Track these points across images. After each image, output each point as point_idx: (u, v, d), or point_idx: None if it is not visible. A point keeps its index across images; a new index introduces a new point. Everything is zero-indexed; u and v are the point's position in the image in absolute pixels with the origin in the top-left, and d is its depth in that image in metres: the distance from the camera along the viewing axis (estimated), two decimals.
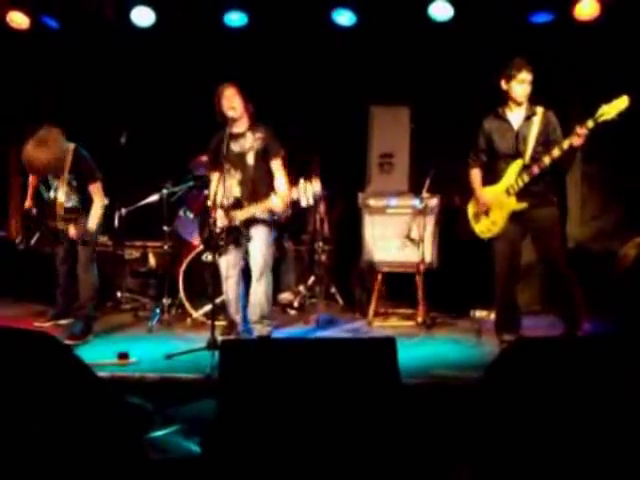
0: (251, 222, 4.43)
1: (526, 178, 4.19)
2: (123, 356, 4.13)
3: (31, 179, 5.02)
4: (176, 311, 5.45)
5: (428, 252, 5.31)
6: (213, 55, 6.07)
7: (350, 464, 2.03)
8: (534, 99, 4.34)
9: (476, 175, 4.50)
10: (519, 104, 4.30)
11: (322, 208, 6.03)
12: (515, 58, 4.29)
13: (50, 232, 4.84)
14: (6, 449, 1.85)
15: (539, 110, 4.27)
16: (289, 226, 6.09)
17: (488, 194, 4.39)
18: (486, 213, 4.39)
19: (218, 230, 4.43)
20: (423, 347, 4.63)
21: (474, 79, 6.01)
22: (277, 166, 4.49)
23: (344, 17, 5.76)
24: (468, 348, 4.58)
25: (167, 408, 3.10)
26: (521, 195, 4.23)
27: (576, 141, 4.00)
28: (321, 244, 5.89)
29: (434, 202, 5.40)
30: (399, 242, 5.38)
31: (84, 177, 4.74)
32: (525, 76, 4.21)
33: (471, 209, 4.54)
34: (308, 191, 4.13)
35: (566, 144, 4.04)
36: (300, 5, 5.68)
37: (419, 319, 5.18)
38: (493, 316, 5.39)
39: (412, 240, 5.27)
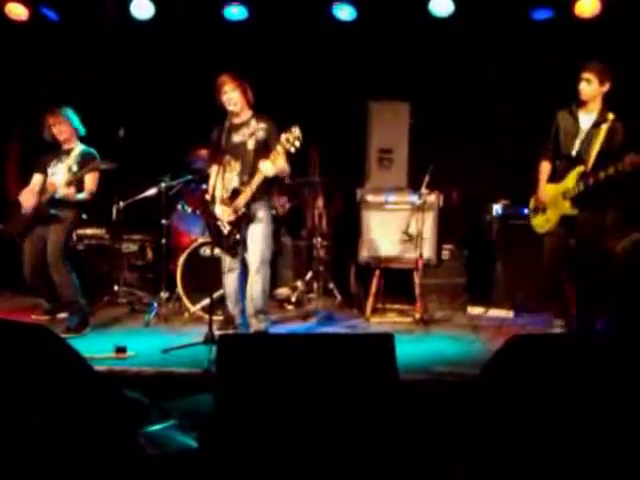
0: (251, 217, 4.41)
1: (582, 186, 4.27)
2: (120, 350, 4.13)
3: (34, 179, 4.97)
4: (173, 305, 5.44)
5: (426, 248, 5.31)
6: (212, 49, 6.05)
7: (347, 460, 2.03)
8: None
9: (544, 168, 4.56)
10: (583, 103, 4.36)
11: (320, 203, 6.03)
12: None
13: (29, 217, 4.74)
14: (2, 441, 1.85)
15: (609, 117, 4.32)
16: (287, 221, 6.09)
17: (548, 192, 4.49)
18: (543, 210, 4.51)
19: (227, 231, 4.41)
20: (420, 343, 4.62)
21: (474, 75, 6.01)
22: None
23: (344, 11, 5.75)
24: (466, 344, 4.59)
25: (164, 402, 3.09)
26: (575, 201, 4.32)
27: (629, 166, 4.04)
28: (319, 239, 5.88)
29: (433, 198, 5.39)
30: (397, 238, 5.37)
31: (85, 164, 4.76)
32: (584, 75, 4.29)
33: (532, 203, 4.65)
34: (291, 139, 4.16)
35: (620, 166, 4.09)
36: None
37: (417, 315, 5.18)
38: (490, 313, 5.46)
39: (410, 236, 5.26)
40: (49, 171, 4.88)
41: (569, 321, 4.54)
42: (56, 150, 4.94)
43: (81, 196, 4.77)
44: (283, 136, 4.21)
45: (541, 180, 4.55)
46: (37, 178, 4.94)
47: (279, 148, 4.22)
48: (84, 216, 4.90)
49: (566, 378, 1.99)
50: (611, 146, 4.27)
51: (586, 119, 4.38)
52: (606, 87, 4.31)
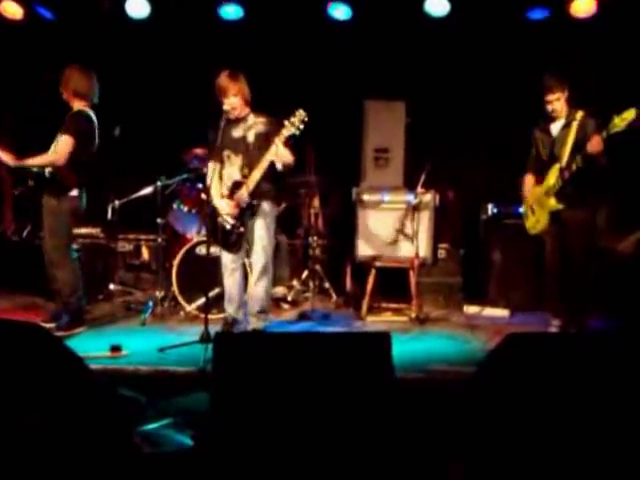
0: (254, 210, 4.40)
1: (560, 182, 4.42)
2: (116, 349, 4.12)
3: None
4: (169, 304, 5.43)
5: (422, 247, 5.31)
6: (208, 48, 6.04)
7: (344, 458, 2.03)
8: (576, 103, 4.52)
9: (528, 180, 4.77)
10: (556, 118, 4.53)
11: (316, 202, 6.02)
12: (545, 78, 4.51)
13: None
14: None
15: (578, 115, 4.46)
16: (283, 220, 6.08)
17: (532, 195, 4.68)
18: (532, 211, 4.68)
19: (230, 225, 4.39)
20: (416, 342, 4.63)
21: (470, 74, 6.02)
22: None
23: (340, 11, 5.75)
24: (461, 343, 4.59)
25: (160, 401, 3.09)
26: (559, 196, 4.46)
27: (590, 150, 4.19)
28: (315, 238, 5.88)
29: (429, 197, 5.40)
30: (393, 237, 5.37)
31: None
32: (552, 97, 4.44)
33: (523, 207, 4.85)
34: (296, 122, 4.22)
35: (585, 152, 4.24)
36: None
37: (412, 314, 5.18)
38: (485, 312, 5.46)
39: (406, 235, 5.26)
40: None
41: (566, 321, 4.54)
42: None
43: (40, 160, 4.37)
44: (287, 122, 4.21)
45: (524, 188, 4.76)
46: None
47: (284, 132, 4.22)
48: (76, 192, 4.55)
49: (561, 377, 2.00)
50: (584, 140, 4.33)
51: (556, 126, 4.57)
52: (567, 92, 4.48)
